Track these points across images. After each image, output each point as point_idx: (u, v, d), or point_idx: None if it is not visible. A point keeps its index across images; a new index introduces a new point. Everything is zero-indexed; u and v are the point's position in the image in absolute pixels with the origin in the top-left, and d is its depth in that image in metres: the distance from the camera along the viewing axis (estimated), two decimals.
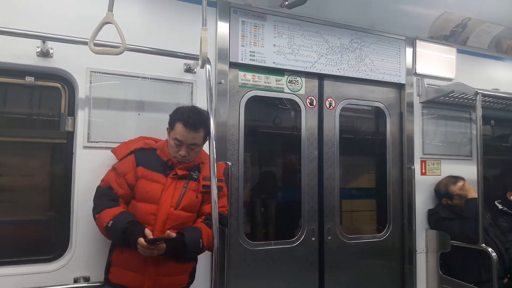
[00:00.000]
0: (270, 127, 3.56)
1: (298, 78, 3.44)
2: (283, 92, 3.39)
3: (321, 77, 3.54)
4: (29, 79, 2.55)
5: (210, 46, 2.93)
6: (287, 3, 2.40)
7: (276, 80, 3.35)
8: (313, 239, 3.40)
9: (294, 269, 3.32)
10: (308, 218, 3.41)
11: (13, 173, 2.60)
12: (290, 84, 3.41)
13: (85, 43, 2.29)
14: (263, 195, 3.49)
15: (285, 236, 3.40)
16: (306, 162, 3.44)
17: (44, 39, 2.41)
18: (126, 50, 2.15)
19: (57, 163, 2.71)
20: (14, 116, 2.68)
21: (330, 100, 3.59)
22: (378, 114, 3.85)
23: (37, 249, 2.64)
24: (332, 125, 3.58)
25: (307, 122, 3.47)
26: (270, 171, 3.58)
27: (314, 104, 3.51)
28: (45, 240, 2.68)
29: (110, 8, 2.09)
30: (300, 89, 3.45)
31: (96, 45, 2.12)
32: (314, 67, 3.42)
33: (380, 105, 3.80)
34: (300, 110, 3.46)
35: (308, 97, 3.48)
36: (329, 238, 3.47)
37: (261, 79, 3.30)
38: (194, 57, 2.69)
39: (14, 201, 2.60)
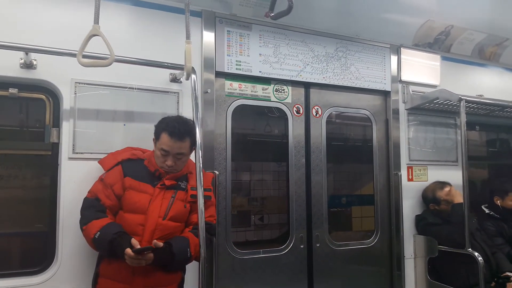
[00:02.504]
0: (257, 135, 3.56)
1: (285, 87, 3.46)
2: (269, 100, 3.40)
3: (307, 86, 3.57)
4: (13, 91, 2.54)
5: (196, 56, 2.97)
6: (272, 14, 2.42)
7: (263, 89, 3.37)
8: (301, 246, 3.40)
9: (283, 277, 3.31)
10: (297, 226, 3.41)
11: None
12: (277, 92, 3.43)
13: (69, 54, 2.31)
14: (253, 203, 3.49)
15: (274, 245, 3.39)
16: (294, 170, 3.45)
17: (28, 51, 2.40)
18: (114, 61, 2.15)
19: (42, 175, 2.69)
20: None
21: (317, 108, 3.62)
22: (365, 121, 3.88)
23: (22, 262, 2.62)
24: (319, 132, 3.60)
25: (294, 130, 3.49)
26: (258, 179, 3.57)
27: (301, 112, 3.53)
28: (31, 252, 2.66)
29: (96, 21, 2.09)
30: (286, 98, 3.47)
31: (83, 57, 2.13)
32: (300, 75, 3.44)
33: (366, 112, 3.84)
34: (287, 118, 3.47)
35: (294, 105, 3.50)
36: (318, 245, 3.48)
37: (248, 88, 3.31)
38: (180, 67, 2.69)
39: None
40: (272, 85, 3.41)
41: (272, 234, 3.52)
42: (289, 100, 3.49)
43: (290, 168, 3.45)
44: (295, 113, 3.50)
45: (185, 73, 2.41)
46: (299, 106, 3.52)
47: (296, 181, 3.45)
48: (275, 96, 3.42)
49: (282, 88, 3.45)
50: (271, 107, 3.43)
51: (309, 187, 3.51)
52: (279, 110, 3.46)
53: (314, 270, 3.45)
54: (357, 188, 3.93)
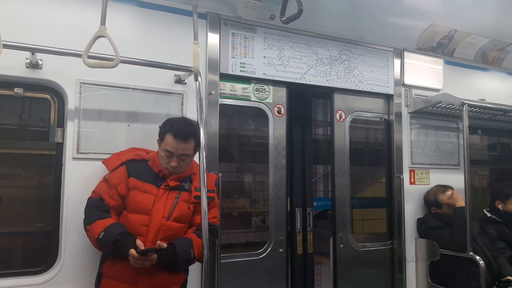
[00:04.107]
0: (237, 136, 3.55)
1: (266, 86, 3.38)
2: (250, 100, 3.33)
3: (288, 85, 3.49)
4: (18, 91, 2.54)
5: (200, 57, 2.94)
6: (283, 18, 2.43)
7: (243, 88, 3.29)
8: (280, 250, 3.34)
9: (261, 281, 3.22)
10: (276, 229, 3.33)
11: (1, 185, 2.57)
12: (257, 92, 3.35)
13: (75, 55, 2.32)
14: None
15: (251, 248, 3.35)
16: (274, 171, 3.37)
17: (34, 51, 2.40)
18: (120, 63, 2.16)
19: (46, 175, 2.69)
20: (3, 127, 2.67)
21: (340, 113, 3.68)
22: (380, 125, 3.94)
23: (25, 261, 2.63)
24: (342, 136, 3.67)
25: (275, 130, 3.41)
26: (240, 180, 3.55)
27: (282, 112, 3.44)
28: (34, 251, 2.66)
29: (103, 22, 2.10)
30: (267, 97, 3.40)
31: (88, 57, 2.14)
32: (304, 78, 3.44)
33: (386, 116, 3.91)
34: (268, 119, 3.40)
35: (276, 106, 3.43)
36: (341, 246, 3.54)
37: (226, 87, 3.23)
38: (185, 68, 2.70)
39: (2, 212, 2.57)
40: (252, 85, 3.34)
41: (248, 237, 3.52)
42: (270, 100, 3.40)
43: (270, 169, 3.37)
44: (276, 113, 3.42)
45: (193, 75, 2.43)
46: (280, 106, 3.45)
47: (276, 182, 3.37)
48: (255, 96, 3.34)
49: (263, 88, 3.38)
50: (252, 107, 3.36)
51: (333, 189, 3.61)
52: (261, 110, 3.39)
53: (338, 270, 3.52)
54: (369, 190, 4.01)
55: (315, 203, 3.88)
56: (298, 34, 3.45)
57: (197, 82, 2.51)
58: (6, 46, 2.27)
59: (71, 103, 2.63)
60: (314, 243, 3.73)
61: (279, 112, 3.45)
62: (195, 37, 2.31)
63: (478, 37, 4.18)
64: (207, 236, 2.25)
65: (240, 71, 3.19)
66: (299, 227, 3.62)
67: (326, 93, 3.74)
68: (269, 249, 3.31)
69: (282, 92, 3.49)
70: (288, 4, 2.37)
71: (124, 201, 2.42)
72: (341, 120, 3.68)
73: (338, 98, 3.68)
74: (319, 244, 3.88)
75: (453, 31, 4.02)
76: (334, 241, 3.54)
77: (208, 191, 2.36)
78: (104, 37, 2.10)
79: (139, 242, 2.22)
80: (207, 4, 3.08)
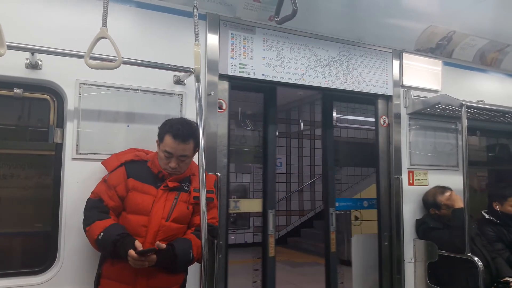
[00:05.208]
0: None
1: None
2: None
3: (231, 79, 3.24)
4: (18, 91, 2.54)
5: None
6: (278, 19, 2.44)
7: None
8: (219, 256, 3.03)
9: None
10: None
11: (0, 185, 2.57)
12: None
13: (75, 55, 2.32)
14: None
15: None
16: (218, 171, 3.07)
17: (34, 51, 2.40)
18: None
19: (45, 175, 2.70)
20: (2, 127, 2.68)
21: (384, 118, 3.90)
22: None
23: (24, 262, 2.63)
24: (386, 140, 3.85)
25: (219, 129, 3.13)
26: None
27: (224, 108, 3.21)
28: (33, 252, 2.66)
29: (104, 23, 2.11)
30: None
31: (90, 59, 2.14)
32: (303, 79, 3.45)
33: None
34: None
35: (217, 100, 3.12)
36: (386, 244, 3.78)
37: None
38: (184, 70, 2.70)
39: (2, 213, 2.58)
40: None
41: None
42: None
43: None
44: (217, 109, 3.14)
45: (195, 76, 2.44)
46: (221, 101, 3.17)
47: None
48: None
49: None
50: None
51: (378, 190, 3.85)
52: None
53: (383, 267, 3.76)
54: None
55: (337, 204, 3.94)
56: (297, 35, 3.45)
57: (196, 83, 2.51)
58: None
59: (71, 103, 2.64)
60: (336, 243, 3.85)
61: (220, 107, 3.18)
62: (196, 38, 2.32)
63: (477, 38, 4.19)
64: (206, 237, 2.26)
65: (239, 72, 3.20)
66: (271, 229, 3.46)
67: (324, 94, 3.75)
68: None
69: (223, 86, 3.20)
70: (284, 5, 2.37)
71: (123, 202, 2.42)
72: (385, 125, 3.82)
73: (381, 104, 3.86)
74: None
75: (451, 32, 4.03)
76: (380, 239, 3.76)
77: (207, 191, 2.36)
78: (105, 38, 2.11)
79: (137, 243, 2.22)
80: (207, 5, 3.08)
